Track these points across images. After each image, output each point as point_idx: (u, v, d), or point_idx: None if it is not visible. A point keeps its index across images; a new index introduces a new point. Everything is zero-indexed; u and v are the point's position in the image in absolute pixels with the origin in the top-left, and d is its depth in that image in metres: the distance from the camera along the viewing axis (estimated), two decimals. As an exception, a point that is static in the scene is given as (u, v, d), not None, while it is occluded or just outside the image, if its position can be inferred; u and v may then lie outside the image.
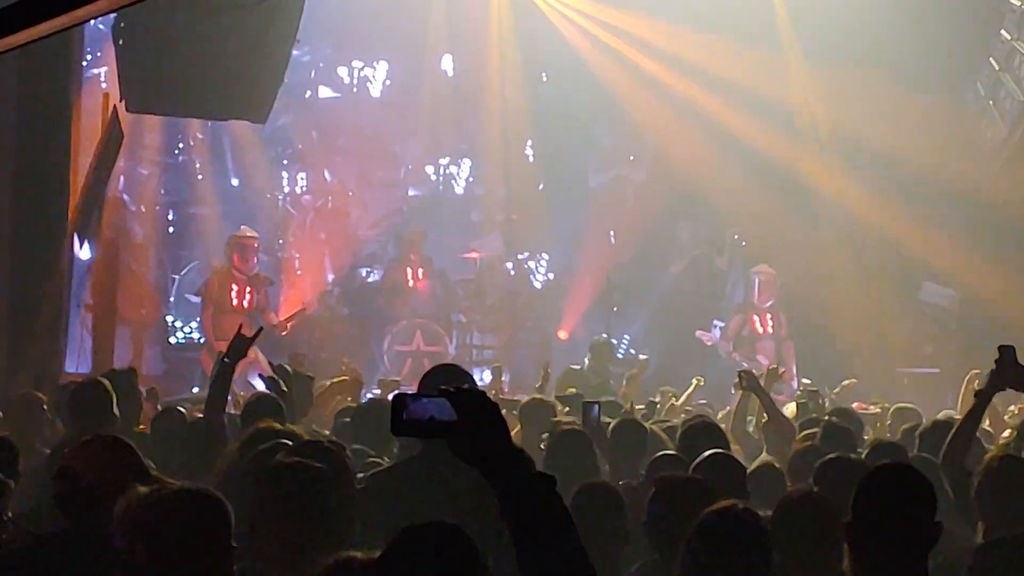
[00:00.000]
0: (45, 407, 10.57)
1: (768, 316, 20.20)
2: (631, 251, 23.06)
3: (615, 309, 20.58)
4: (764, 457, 9.45)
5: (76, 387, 9.52)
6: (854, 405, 15.27)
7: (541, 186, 24.05)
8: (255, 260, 19.64)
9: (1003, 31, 20.04)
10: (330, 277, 21.72)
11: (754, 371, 18.62)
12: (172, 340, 22.16)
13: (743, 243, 22.73)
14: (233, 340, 8.87)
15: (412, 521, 3.50)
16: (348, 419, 10.36)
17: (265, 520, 5.29)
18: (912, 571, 4.74)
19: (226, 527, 4.49)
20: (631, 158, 24.06)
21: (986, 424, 13.39)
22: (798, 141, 20.88)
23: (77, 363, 17.45)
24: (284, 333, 19.14)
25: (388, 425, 3.53)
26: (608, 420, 10.02)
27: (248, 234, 20.11)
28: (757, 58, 21.83)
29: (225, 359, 8.74)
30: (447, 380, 5.08)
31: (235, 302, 19.13)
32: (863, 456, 7.82)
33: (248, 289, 19.22)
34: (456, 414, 3.45)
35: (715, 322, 21.83)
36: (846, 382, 15.79)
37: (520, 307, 22.17)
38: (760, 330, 20.22)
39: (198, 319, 22.24)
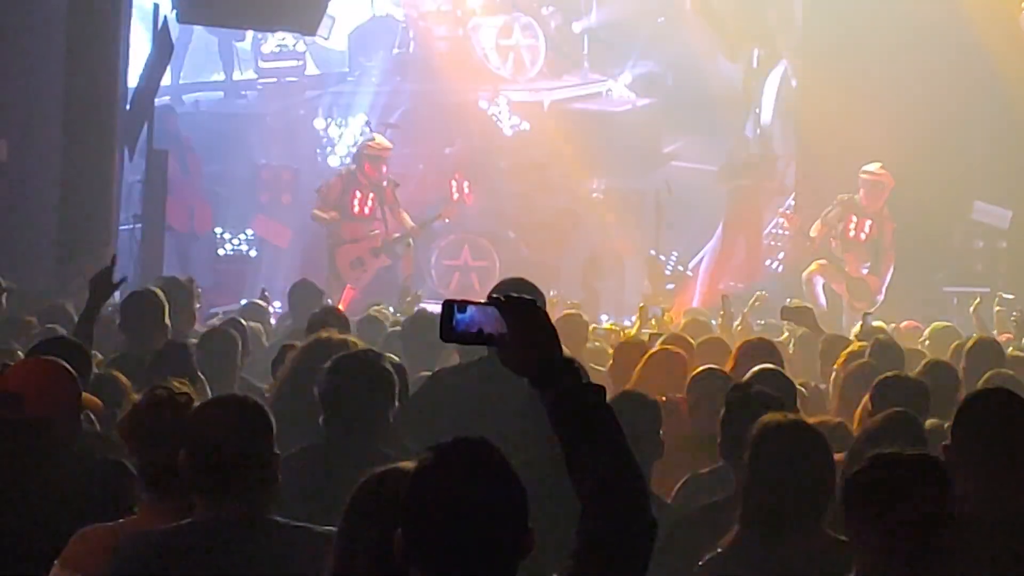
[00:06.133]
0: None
1: (868, 222, 19.42)
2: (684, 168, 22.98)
3: (669, 223, 20.43)
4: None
5: (128, 296, 9.55)
6: (904, 324, 15.23)
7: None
8: (385, 170, 19.48)
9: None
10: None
11: (836, 272, 18.64)
12: (220, 252, 22.25)
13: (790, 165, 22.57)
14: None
15: (469, 423, 3.45)
16: (397, 329, 10.44)
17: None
18: (1010, 497, 4.72)
19: (268, 433, 4.56)
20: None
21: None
22: (849, 56, 20.66)
23: (130, 274, 17.52)
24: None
25: (437, 336, 3.53)
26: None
27: (382, 144, 19.94)
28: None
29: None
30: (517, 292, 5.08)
31: (357, 208, 19.03)
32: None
33: (371, 195, 19.10)
34: (506, 323, 3.45)
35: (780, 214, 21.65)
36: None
37: (569, 223, 22.11)
38: (852, 234, 19.37)
39: (249, 230, 22.42)
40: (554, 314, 15.08)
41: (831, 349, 10.33)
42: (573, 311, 12.12)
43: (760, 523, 5.02)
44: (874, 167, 19.21)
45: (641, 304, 15.13)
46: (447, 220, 20.11)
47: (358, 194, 18.99)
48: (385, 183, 19.15)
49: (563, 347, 3.51)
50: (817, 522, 5.02)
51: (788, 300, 14.71)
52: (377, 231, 18.96)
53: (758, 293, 16.80)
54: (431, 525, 3.24)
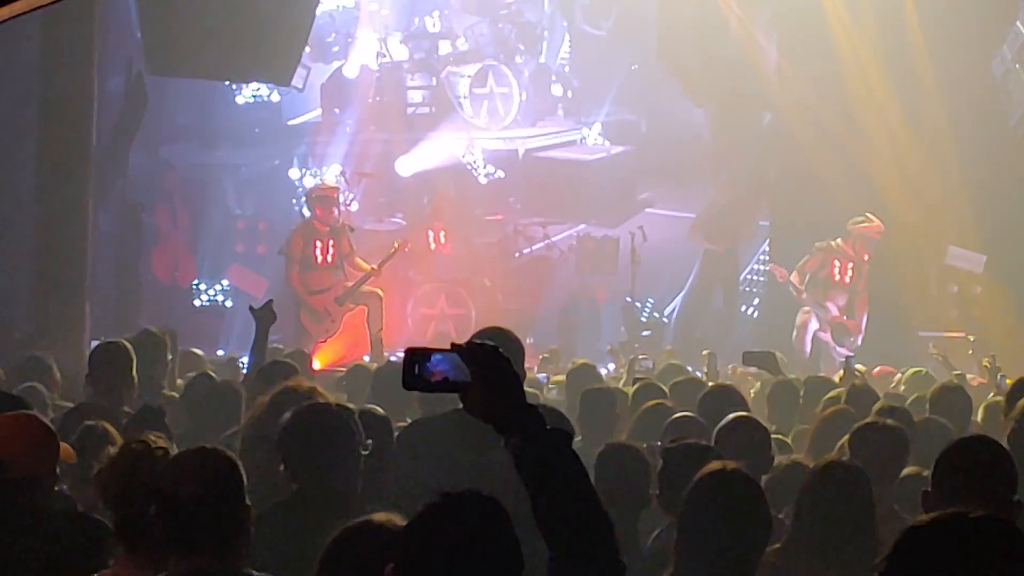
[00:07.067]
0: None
1: (850, 265, 19.60)
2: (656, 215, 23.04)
3: (638, 261, 20.44)
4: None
5: (95, 348, 9.53)
6: (876, 369, 15.28)
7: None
8: (337, 212, 19.44)
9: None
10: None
11: (820, 316, 18.78)
12: (197, 303, 22.22)
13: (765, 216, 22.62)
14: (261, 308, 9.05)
15: (446, 474, 3.44)
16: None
17: None
18: None
19: (238, 485, 4.55)
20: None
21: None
22: (820, 105, 20.75)
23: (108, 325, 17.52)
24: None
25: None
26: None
27: (328, 185, 20.01)
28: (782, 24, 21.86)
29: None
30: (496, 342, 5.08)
31: (319, 259, 18.96)
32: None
33: (331, 242, 19.05)
34: (469, 370, 3.44)
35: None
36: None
37: (545, 270, 22.14)
38: (837, 277, 19.58)
39: (225, 280, 22.38)
40: (530, 363, 15.13)
41: (779, 394, 10.38)
42: (585, 361, 12.12)
43: (691, 571, 5.02)
44: (876, 221, 19.35)
45: (631, 356, 15.14)
46: (406, 249, 20.02)
47: (318, 243, 19.00)
48: (339, 224, 19.22)
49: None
50: (749, 571, 5.01)
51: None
52: (339, 278, 18.99)
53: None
54: (429, 568, 3.24)
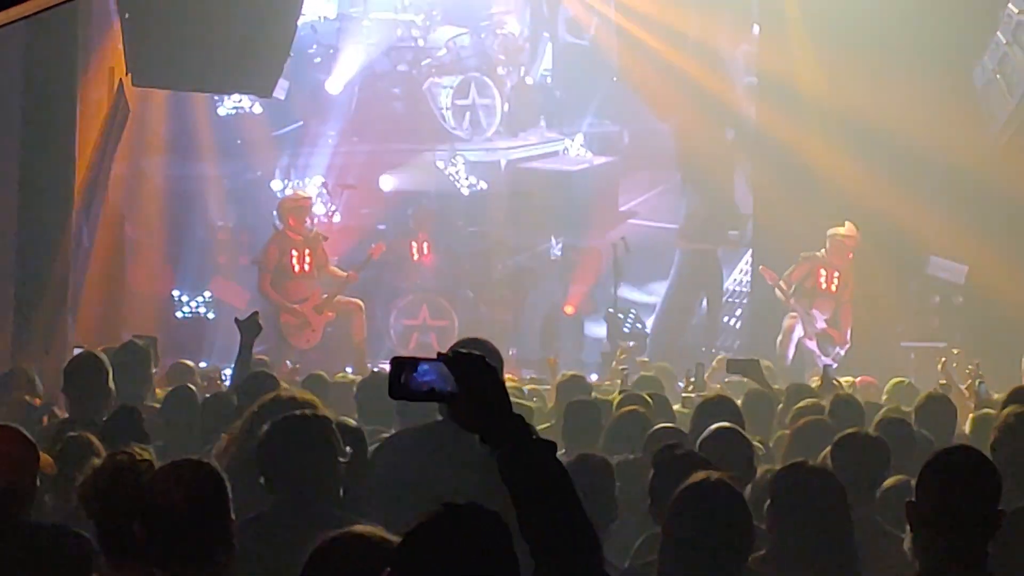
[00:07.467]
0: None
1: (836, 274, 19.73)
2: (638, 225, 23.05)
3: (620, 282, 20.49)
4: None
5: (71, 360, 9.49)
6: (859, 379, 15.30)
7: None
8: (310, 221, 19.56)
9: (1011, 5, 20.01)
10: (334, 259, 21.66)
11: (807, 326, 18.87)
12: (179, 314, 22.16)
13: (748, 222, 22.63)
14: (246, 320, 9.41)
15: (428, 485, 3.44)
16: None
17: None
18: (970, 557, 4.72)
19: (224, 498, 4.54)
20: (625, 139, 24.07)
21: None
22: (801, 115, 20.78)
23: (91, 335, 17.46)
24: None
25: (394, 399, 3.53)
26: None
27: (301, 195, 20.16)
28: (761, 35, 21.91)
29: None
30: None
31: (297, 268, 19.02)
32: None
33: (307, 251, 19.11)
34: (455, 380, 3.46)
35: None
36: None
37: (528, 281, 22.15)
38: (824, 286, 19.70)
39: (207, 292, 22.32)
40: (513, 374, 15.14)
41: (756, 404, 10.39)
42: (575, 372, 12.16)
43: None
44: (851, 226, 19.44)
45: (623, 368, 15.15)
46: (379, 255, 20.06)
47: (295, 253, 19.05)
48: (312, 233, 19.27)
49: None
50: None
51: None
52: (317, 288, 19.04)
53: (719, 356, 16.88)
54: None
